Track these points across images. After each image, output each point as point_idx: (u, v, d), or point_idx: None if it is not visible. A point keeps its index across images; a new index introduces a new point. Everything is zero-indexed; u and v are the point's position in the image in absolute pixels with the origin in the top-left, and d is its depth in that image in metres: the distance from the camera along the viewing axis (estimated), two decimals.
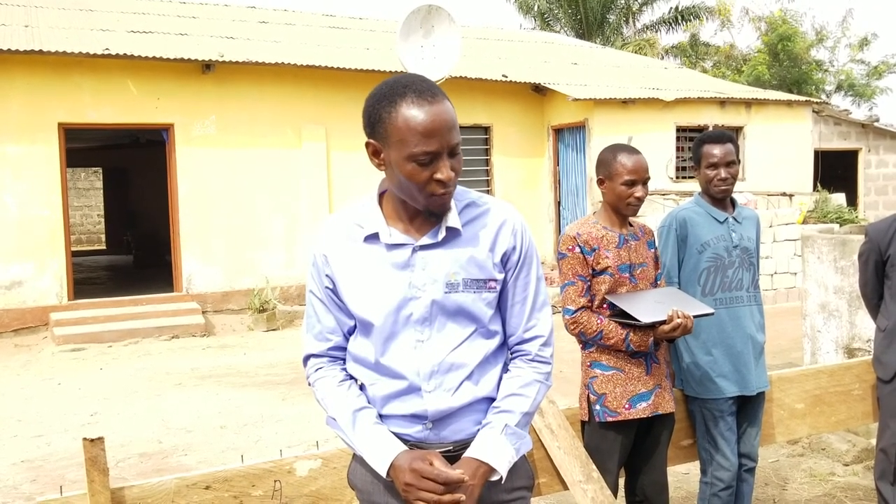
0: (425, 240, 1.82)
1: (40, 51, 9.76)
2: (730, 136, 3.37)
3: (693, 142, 3.46)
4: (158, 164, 11.81)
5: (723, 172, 3.27)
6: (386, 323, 1.83)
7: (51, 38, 10.63)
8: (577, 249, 2.96)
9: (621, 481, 3.14)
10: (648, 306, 2.90)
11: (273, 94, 11.38)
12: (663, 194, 12.37)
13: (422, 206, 1.79)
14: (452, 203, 1.84)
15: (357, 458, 2.01)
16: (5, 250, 9.87)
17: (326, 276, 1.89)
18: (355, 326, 1.92)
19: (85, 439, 2.35)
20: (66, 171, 10.62)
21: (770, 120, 13.84)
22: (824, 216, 12.58)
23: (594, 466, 2.91)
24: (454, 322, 1.83)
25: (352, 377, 1.95)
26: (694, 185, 12.61)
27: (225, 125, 11.08)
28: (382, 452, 1.81)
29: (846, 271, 5.31)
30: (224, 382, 7.57)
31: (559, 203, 13.45)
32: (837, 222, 12.05)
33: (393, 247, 1.83)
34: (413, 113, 1.69)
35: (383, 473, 1.80)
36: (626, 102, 12.64)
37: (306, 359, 1.99)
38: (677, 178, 12.88)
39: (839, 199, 13.36)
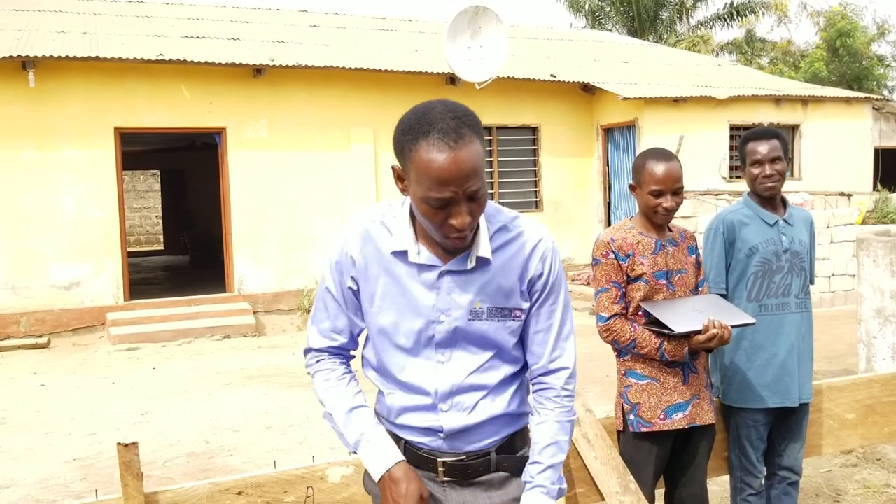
0: (453, 265, 1.79)
1: (97, 57, 10.02)
2: (776, 132, 3.25)
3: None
4: (213, 166, 12.03)
5: (768, 169, 3.16)
6: (408, 341, 1.82)
7: (108, 44, 10.91)
8: (612, 255, 2.90)
9: (659, 493, 3.08)
10: (685, 314, 2.82)
11: (322, 96, 11.50)
12: (716, 194, 12.11)
13: (439, 242, 1.76)
14: (484, 227, 1.80)
15: None
16: (64, 252, 10.17)
17: (351, 277, 1.86)
18: (361, 331, 1.92)
19: (119, 444, 2.39)
20: (125, 173, 10.90)
21: (827, 117, 13.45)
22: (884, 216, 12.18)
23: (632, 478, 2.85)
24: (476, 346, 1.82)
25: (351, 372, 1.95)
26: (744, 186, 12.34)
27: (275, 128, 11.23)
28: (379, 458, 1.82)
29: None
30: (272, 382, 7.66)
31: (609, 203, 13.29)
32: None
33: (421, 267, 1.80)
34: (432, 156, 1.62)
35: (376, 478, 1.80)
36: (677, 101, 12.42)
37: (307, 351, 1.98)
38: (731, 177, 12.61)
39: None
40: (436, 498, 1.89)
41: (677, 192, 2.89)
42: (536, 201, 12.99)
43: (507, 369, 1.85)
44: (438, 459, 1.86)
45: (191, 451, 5.53)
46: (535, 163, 13.09)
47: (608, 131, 13.22)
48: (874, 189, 13.47)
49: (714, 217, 3.32)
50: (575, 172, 13.24)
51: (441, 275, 1.78)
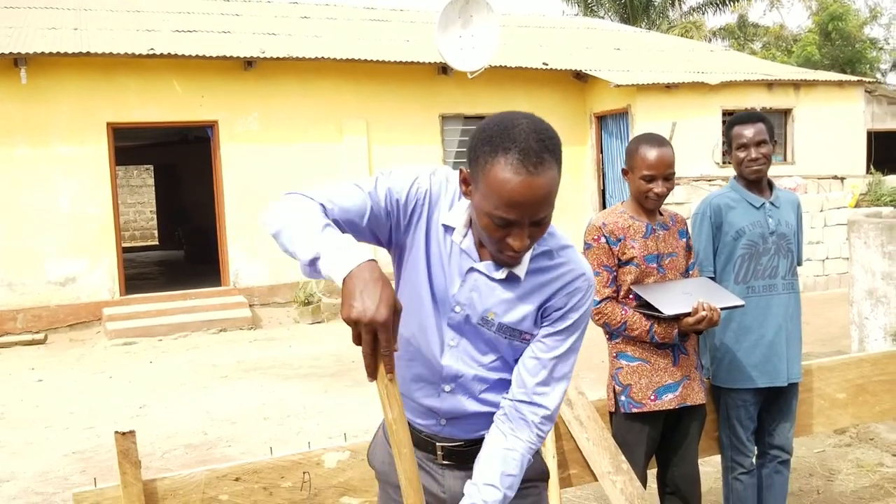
0: (485, 267, 1.74)
1: (88, 52, 10.00)
2: (761, 115, 3.28)
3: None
4: (206, 160, 12.02)
5: (753, 153, 3.18)
6: (426, 310, 1.78)
7: (98, 39, 10.88)
8: (603, 240, 2.93)
9: (652, 473, 3.12)
10: (675, 297, 2.85)
11: (314, 88, 11.48)
12: (709, 180, 12.14)
13: (490, 252, 1.71)
14: None
15: (377, 439, 2.02)
16: (59, 248, 10.17)
17: (413, 206, 1.73)
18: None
19: (117, 433, 2.42)
20: (119, 168, 10.89)
21: (820, 101, 13.47)
22: (878, 199, 12.22)
23: (623, 458, 2.89)
24: (483, 345, 1.80)
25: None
26: None
27: (267, 121, 11.22)
28: (347, 258, 1.50)
29: (894, 256, 5.16)
30: (269, 374, 7.69)
31: (603, 191, 13.32)
32: (892, 205, 11.70)
33: (460, 251, 1.75)
34: (507, 176, 1.54)
35: (342, 276, 1.49)
36: (669, 87, 12.44)
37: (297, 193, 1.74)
38: (724, 163, 12.63)
39: (894, 181, 12.96)
40: (434, 478, 1.91)
41: (669, 177, 2.92)
42: None
43: (510, 367, 1.83)
44: (437, 444, 1.88)
45: (189, 443, 5.56)
46: None
47: (601, 119, 13.23)
48: (867, 172, 13.51)
49: (701, 201, 3.35)
50: (569, 161, 13.21)
51: (471, 269, 1.75)
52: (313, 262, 1.55)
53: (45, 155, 10.13)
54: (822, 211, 11.46)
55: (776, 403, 3.28)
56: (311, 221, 1.59)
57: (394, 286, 1.58)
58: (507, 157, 1.54)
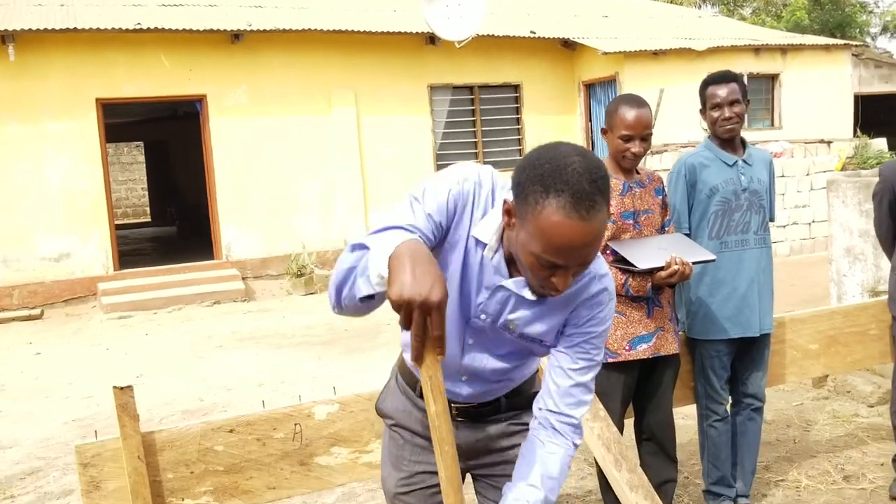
0: (514, 285, 1.71)
1: (75, 28, 10.00)
2: (734, 75, 3.37)
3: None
4: (196, 135, 12.05)
5: (727, 112, 3.28)
6: (452, 309, 1.75)
7: (85, 15, 10.86)
8: None
9: (630, 421, 3.26)
10: (649, 252, 2.97)
11: (301, 60, 11.50)
12: (697, 145, 12.23)
13: (529, 282, 1.67)
14: None
15: (389, 387, 2.07)
16: (52, 224, 10.24)
17: (454, 219, 1.69)
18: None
19: (115, 387, 2.53)
20: (109, 146, 10.92)
21: (807, 66, 13.53)
22: (864, 162, 12.34)
23: (601, 405, 3.01)
24: (500, 341, 1.82)
25: None
26: None
27: (256, 94, 11.25)
28: (393, 240, 1.47)
29: (871, 214, 5.27)
30: (263, 344, 7.82)
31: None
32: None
33: (491, 265, 1.72)
34: (557, 220, 1.47)
35: (386, 257, 1.44)
36: (657, 54, 12.48)
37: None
38: None
39: (880, 144, 13.07)
40: None
41: (646, 137, 3.02)
42: (520, 159, 13.08)
43: (525, 360, 1.89)
44: (452, 404, 1.91)
45: (186, 409, 5.70)
46: (517, 121, 13.16)
47: (590, 87, 13.28)
48: (854, 136, 13.62)
49: (677, 160, 3.46)
50: (558, 129, 13.31)
51: (500, 287, 1.73)
52: (363, 270, 1.49)
53: (36, 132, 10.17)
54: (808, 174, 11.58)
55: (749, 354, 3.41)
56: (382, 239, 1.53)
57: None
58: (560, 200, 1.46)
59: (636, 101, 3.03)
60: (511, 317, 1.75)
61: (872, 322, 3.92)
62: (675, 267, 2.91)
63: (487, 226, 1.68)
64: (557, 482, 1.77)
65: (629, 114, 2.99)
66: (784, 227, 11.22)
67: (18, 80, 10.04)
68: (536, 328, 1.77)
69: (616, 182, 3.07)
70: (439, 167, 12.50)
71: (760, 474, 3.91)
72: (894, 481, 3.67)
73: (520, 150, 13.13)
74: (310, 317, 9.18)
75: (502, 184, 1.71)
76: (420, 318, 1.38)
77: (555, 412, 1.79)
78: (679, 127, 11.92)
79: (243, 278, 10.96)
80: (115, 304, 9.90)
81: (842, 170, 11.87)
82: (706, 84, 3.38)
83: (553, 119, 13.26)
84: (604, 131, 3.12)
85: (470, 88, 12.70)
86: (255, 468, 2.78)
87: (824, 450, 4.23)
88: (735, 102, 3.30)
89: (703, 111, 3.41)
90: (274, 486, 2.82)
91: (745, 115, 3.38)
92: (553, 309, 1.75)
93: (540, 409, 1.83)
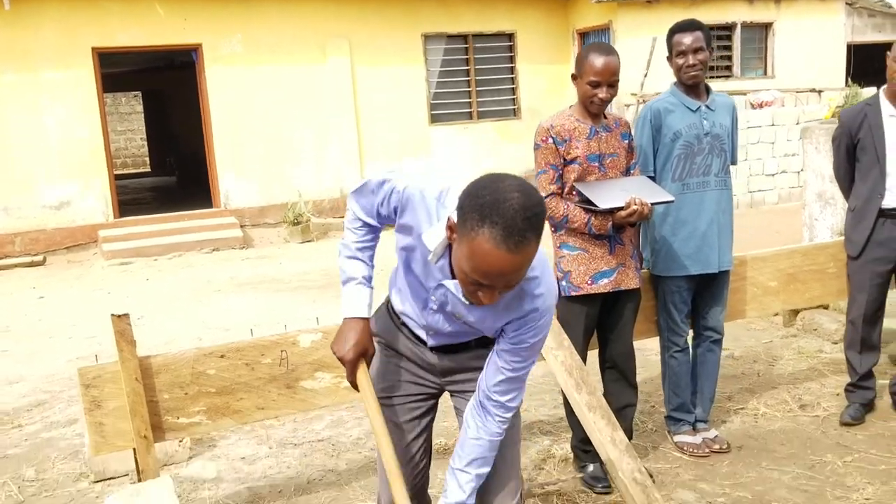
0: (453, 287, 1.93)
1: None
2: (699, 24, 3.53)
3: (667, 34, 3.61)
4: (193, 85, 12.14)
5: (691, 59, 3.45)
6: (419, 271, 2.04)
7: None
8: (550, 140, 3.22)
9: (596, 352, 3.50)
10: (611, 193, 3.17)
11: (296, 9, 11.54)
12: None
13: (463, 290, 1.85)
14: None
15: (380, 312, 2.32)
16: (52, 172, 10.42)
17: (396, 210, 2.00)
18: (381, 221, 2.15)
19: (113, 315, 2.77)
20: (107, 96, 11.02)
21: (801, 15, 13.54)
22: None
23: (565, 336, 3.25)
24: (454, 324, 2.08)
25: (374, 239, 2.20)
26: (720, 86, 12.53)
27: (251, 43, 11.31)
28: (352, 305, 2.14)
29: None
30: (260, 289, 8.07)
31: None
32: None
33: (436, 266, 1.96)
34: (487, 248, 1.63)
35: (342, 314, 2.14)
36: (650, 2, 12.50)
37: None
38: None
39: (871, 93, 13.13)
40: (427, 361, 2.23)
41: (613, 84, 3.20)
42: (514, 109, 13.19)
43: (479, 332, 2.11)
44: (426, 345, 2.21)
45: (185, 348, 5.95)
46: (512, 70, 13.21)
47: (583, 35, 13.30)
48: (846, 85, 13.67)
49: (643, 106, 3.63)
50: (552, 79, 13.38)
51: (441, 285, 1.98)
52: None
53: (33, 80, 10.27)
54: (798, 123, 11.67)
55: (708, 289, 3.63)
56: (346, 264, 2.18)
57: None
58: (493, 232, 1.61)
59: (605, 49, 3.20)
60: (452, 310, 2.00)
61: (831, 261, 4.15)
62: (634, 207, 3.10)
63: (434, 235, 1.88)
64: (486, 460, 2.07)
65: (598, 61, 3.15)
66: (773, 175, 11.38)
67: (14, 29, 10.12)
68: (479, 324, 1.99)
69: (584, 127, 3.25)
70: (433, 117, 12.62)
71: (722, 403, 4.18)
72: (845, 409, 3.92)
73: (514, 98, 13.22)
74: (306, 263, 9.42)
75: (447, 196, 1.91)
76: (343, 364, 2.12)
77: (486, 393, 2.04)
78: (671, 76, 11.96)
79: (241, 226, 11.18)
80: (116, 250, 10.13)
81: (832, 118, 11.98)
82: (672, 32, 3.54)
83: (546, 69, 13.31)
84: (573, 77, 3.29)
85: (464, 37, 12.74)
86: (245, 390, 3.03)
87: (785, 382, 4.49)
88: (699, 50, 3.46)
89: (669, 58, 3.58)
90: (262, 406, 3.07)
91: (708, 63, 3.55)
92: (488, 313, 1.94)
93: (476, 391, 2.08)
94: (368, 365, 2.14)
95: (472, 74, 12.88)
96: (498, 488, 2.10)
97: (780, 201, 11.56)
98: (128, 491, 2.72)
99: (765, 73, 13.34)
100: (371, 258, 2.20)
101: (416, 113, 12.42)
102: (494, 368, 2.00)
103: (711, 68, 12.85)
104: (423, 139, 12.56)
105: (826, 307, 5.34)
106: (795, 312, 5.48)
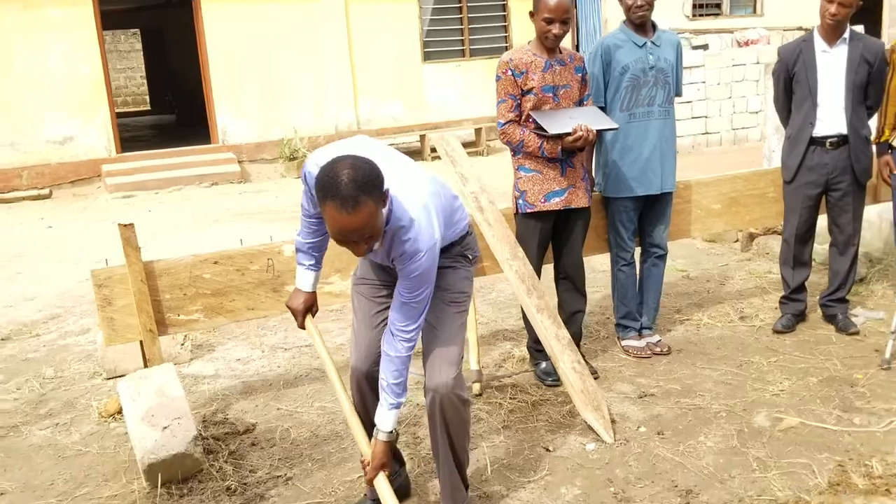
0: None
1: None
2: None
3: None
4: (191, 23, 12.35)
5: (639, 0, 3.81)
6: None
7: None
8: (509, 73, 3.60)
9: (550, 267, 3.93)
10: (561, 121, 3.56)
11: None
12: (679, 33, 12.54)
13: None
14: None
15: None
16: (55, 108, 10.74)
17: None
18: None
19: (119, 224, 3.19)
20: (106, 34, 11.24)
21: None
22: None
23: (520, 249, 3.68)
24: None
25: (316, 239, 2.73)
26: (709, 24, 12.73)
27: None
28: (300, 278, 2.78)
29: None
30: (256, 219, 8.49)
31: (577, 47, 13.70)
32: None
33: None
34: (331, 215, 2.11)
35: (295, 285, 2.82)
36: None
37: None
38: (693, 16, 12.97)
39: (858, 31, 13.30)
40: (381, 268, 2.69)
41: (566, 21, 3.57)
42: (506, 47, 13.39)
43: None
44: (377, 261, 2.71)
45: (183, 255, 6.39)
46: (504, 7, 13.39)
47: None
48: None
49: (595, 43, 4.00)
50: None
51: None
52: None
53: (37, 18, 10.52)
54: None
55: (653, 210, 4.05)
56: (299, 255, 2.77)
57: None
58: (332, 203, 2.09)
59: None
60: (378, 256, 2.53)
61: (771, 186, 4.55)
62: (580, 133, 3.50)
63: None
64: (400, 373, 2.46)
65: (551, 0, 3.52)
66: (756, 112, 11.67)
67: None
68: (379, 258, 2.53)
69: (540, 60, 3.62)
70: (426, 55, 12.85)
71: (670, 315, 4.63)
72: (778, 319, 4.37)
73: (506, 36, 13.43)
74: (301, 196, 9.80)
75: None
76: (295, 315, 2.76)
77: (391, 319, 2.45)
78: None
79: (239, 162, 11.54)
80: (119, 184, 10.52)
81: None
82: None
83: None
84: (531, 14, 3.66)
85: None
86: (237, 293, 3.47)
87: (731, 298, 4.93)
88: None
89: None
90: (252, 307, 3.52)
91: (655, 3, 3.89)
92: (379, 253, 2.43)
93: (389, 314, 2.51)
94: (313, 316, 2.79)
95: (465, 12, 13.07)
96: (439, 358, 2.52)
97: (763, 138, 11.87)
98: (137, 375, 3.19)
99: (753, 10, 13.50)
100: (316, 248, 2.73)
101: (409, 51, 12.65)
102: (396, 296, 2.43)
103: (701, 6, 13.03)
104: (416, 77, 12.81)
105: (780, 233, 5.75)
106: (752, 238, 5.90)
